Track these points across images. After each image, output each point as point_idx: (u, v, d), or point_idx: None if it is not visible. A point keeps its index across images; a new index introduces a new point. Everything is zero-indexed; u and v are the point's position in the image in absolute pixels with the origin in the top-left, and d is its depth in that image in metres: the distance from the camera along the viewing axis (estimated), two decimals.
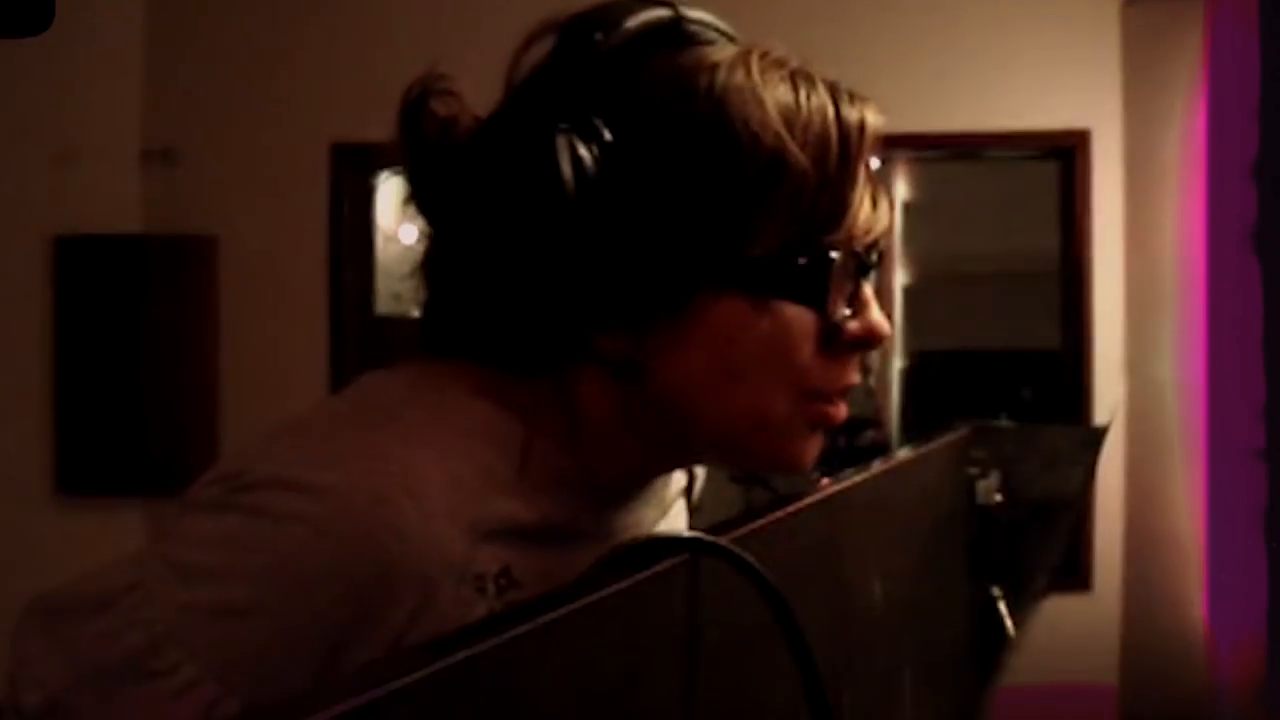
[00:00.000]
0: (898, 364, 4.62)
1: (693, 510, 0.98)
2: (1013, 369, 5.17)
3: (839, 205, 0.78)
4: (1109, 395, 4.03)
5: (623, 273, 0.74)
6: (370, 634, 0.69)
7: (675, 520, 0.94)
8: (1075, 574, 4.00)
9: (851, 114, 0.79)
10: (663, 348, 0.76)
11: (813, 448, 0.82)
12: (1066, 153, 4.20)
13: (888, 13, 4.23)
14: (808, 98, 0.78)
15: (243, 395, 4.18)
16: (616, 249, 0.74)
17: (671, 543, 0.66)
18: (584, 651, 0.56)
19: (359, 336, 4.27)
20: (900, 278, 4.75)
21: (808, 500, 0.94)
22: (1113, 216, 4.14)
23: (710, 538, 0.67)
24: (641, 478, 0.85)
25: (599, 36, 0.77)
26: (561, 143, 0.73)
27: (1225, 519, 3.66)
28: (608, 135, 0.75)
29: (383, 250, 4.34)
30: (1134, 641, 3.92)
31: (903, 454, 1.63)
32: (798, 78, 0.78)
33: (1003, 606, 2.06)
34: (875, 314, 0.82)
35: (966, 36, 4.20)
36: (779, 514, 0.85)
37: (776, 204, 0.76)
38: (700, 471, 0.99)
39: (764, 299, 0.76)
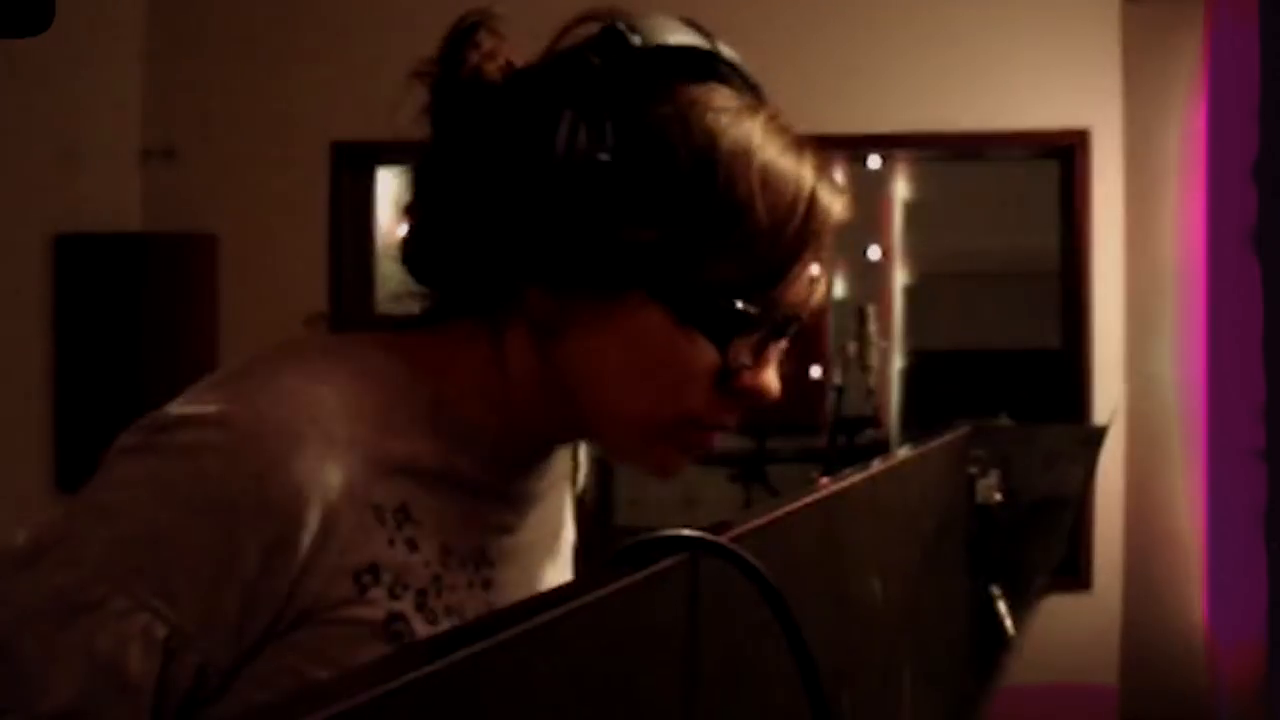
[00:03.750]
0: (898, 364, 4.62)
1: (578, 496, 1.05)
2: (1013, 369, 5.16)
3: (781, 269, 0.83)
4: (1109, 395, 4.03)
5: (575, 241, 0.80)
6: (284, 558, 0.75)
7: (561, 499, 1.00)
8: (1075, 574, 4.00)
9: (824, 198, 0.84)
10: (582, 324, 0.83)
11: (679, 463, 0.88)
12: (1066, 153, 4.20)
13: (888, 13, 4.23)
14: (794, 168, 0.84)
15: None
16: (578, 219, 0.80)
17: (671, 542, 0.66)
18: (584, 651, 0.56)
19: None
20: (900, 278, 4.75)
21: (808, 499, 0.94)
22: (1113, 216, 4.14)
23: (710, 537, 0.68)
24: (543, 445, 0.91)
25: (636, 41, 0.82)
26: (567, 116, 0.79)
27: (1225, 519, 3.66)
28: (610, 129, 0.80)
29: (383, 250, 4.34)
30: (1134, 641, 3.92)
31: (903, 454, 1.63)
32: (791, 150, 0.85)
33: (1003, 606, 2.06)
34: (769, 376, 0.87)
35: (966, 36, 4.20)
36: (779, 513, 0.85)
37: (728, 245, 0.82)
38: (584, 460, 1.04)
39: (683, 324, 0.82)
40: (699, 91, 0.84)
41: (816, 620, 0.89)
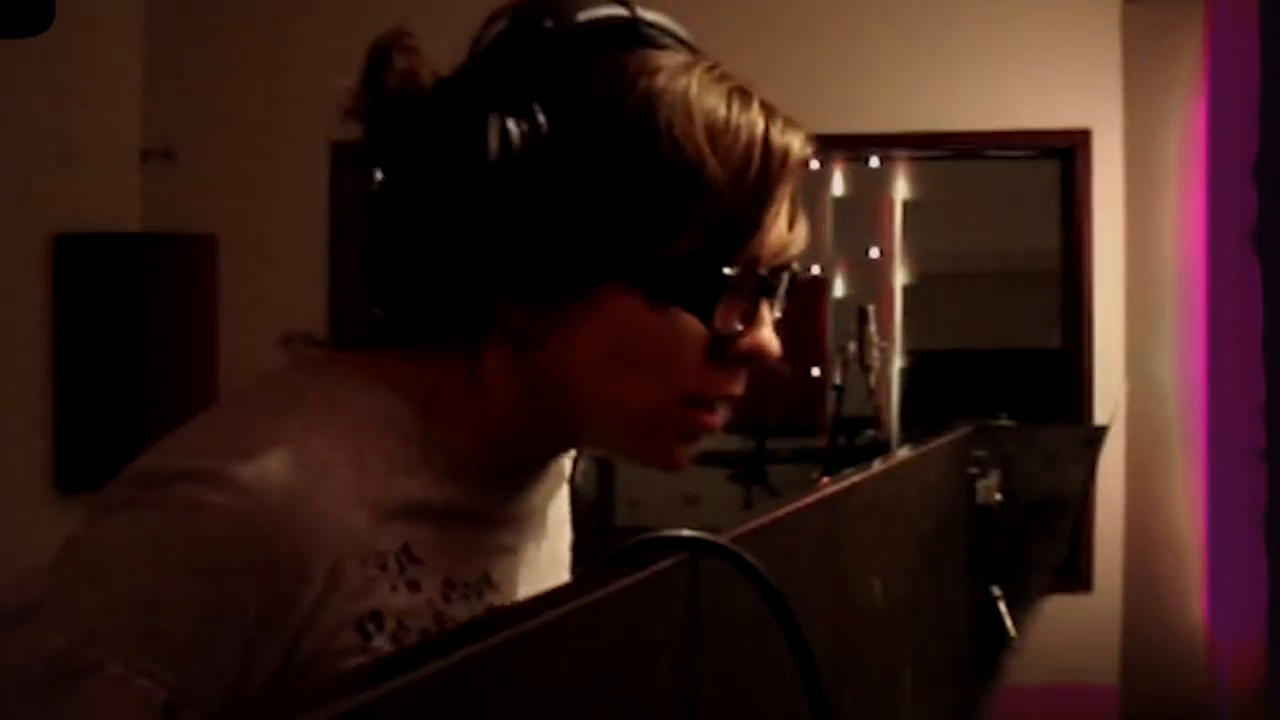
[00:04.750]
0: (898, 364, 4.62)
1: (574, 493, 1.01)
2: (1013, 369, 5.16)
3: (750, 223, 0.80)
4: (1109, 395, 4.02)
5: (532, 248, 0.77)
6: (284, 615, 0.72)
7: (560, 502, 0.97)
8: (1075, 574, 3.99)
9: (779, 139, 0.81)
10: (560, 327, 0.79)
11: (684, 450, 0.84)
12: (1066, 153, 4.20)
13: (888, 12, 4.23)
14: (739, 115, 0.80)
15: None
16: (531, 225, 0.77)
17: (671, 542, 0.66)
18: (584, 651, 0.56)
19: (358, 336, 4.26)
20: (900, 278, 4.75)
21: (808, 500, 0.94)
22: (1113, 216, 4.14)
23: (710, 537, 0.67)
24: (538, 461, 0.88)
25: (549, 24, 0.80)
26: (494, 120, 0.77)
27: (1225, 519, 3.66)
28: (542, 119, 0.78)
29: None
30: (1134, 641, 3.92)
31: (903, 454, 1.63)
32: (734, 95, 0.81)
33: (1003, 606, 2.06)
34: (765, 333, 0.83)
35: (966, 36, 4.20)
36: (779, 514, 0.85)
37: (689, 212, 0.78)
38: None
39: (660, 302, 0.79)
40: (626, 60, 0.80)
41: (817, 620, 0.89)
